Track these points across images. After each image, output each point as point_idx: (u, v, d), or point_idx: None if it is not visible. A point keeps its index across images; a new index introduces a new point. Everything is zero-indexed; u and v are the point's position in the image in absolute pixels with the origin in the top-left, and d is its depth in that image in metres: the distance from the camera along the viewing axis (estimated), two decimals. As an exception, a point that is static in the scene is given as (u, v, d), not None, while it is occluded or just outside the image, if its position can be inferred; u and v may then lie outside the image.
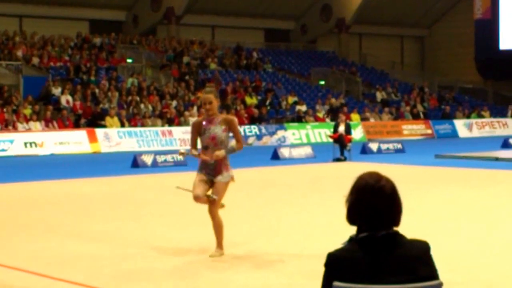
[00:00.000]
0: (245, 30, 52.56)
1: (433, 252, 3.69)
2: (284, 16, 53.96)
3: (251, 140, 34.43)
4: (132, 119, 33.73)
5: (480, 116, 44.66)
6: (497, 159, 24.92)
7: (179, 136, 32.70)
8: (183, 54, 43.64)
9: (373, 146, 29.21)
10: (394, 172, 20.76)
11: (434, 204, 14.34)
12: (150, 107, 35.31)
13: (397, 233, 3.68)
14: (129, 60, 41.87)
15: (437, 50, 60.15)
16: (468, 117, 44.25)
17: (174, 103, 36.52)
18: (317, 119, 38.85)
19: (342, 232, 3.74)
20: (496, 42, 48.84)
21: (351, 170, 17.86)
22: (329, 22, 54.16)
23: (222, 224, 9.48)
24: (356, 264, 3.60)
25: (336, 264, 3.64)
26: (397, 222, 3.70)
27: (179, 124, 34.25)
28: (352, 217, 3.71)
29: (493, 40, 48.92)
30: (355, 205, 3.68)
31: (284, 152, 26.72)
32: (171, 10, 46.88)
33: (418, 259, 3.64)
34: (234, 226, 11.79)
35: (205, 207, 9.64)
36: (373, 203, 3.62)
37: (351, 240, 3.69)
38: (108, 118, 32.57)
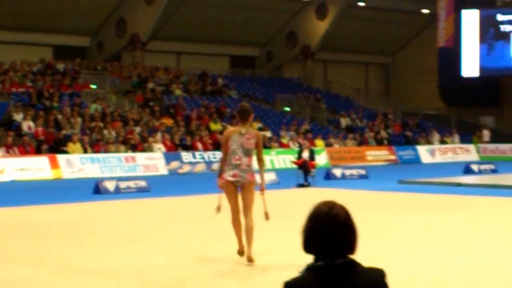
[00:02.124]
0: (211, 56, 52.69)
1: (395, 278, 3.64)
2: (249, 43, 54.14)
3: (215, 166, 34.28)
4: (95, 145, 33.48)
5: (442, 142, 44.97)
6: (459, 184, 25.06)
7: (143, 162, 32.51)
8: (147, 80, 43.55)
9: (337, 172, 29.23)
10: (358, 197, 20.82)
11: (397, 229, 14.34)
12: (113, 133, 35.08)
13: (353, 261, 3.66)
14: (93, 86, 41.67)
15: (401, 77, 60.71)
16: (431, 143, 44.52)
17: (138, 129, 36.34)
18: (281, 145, 38.86)
19: (304, 260, 3.70)
20: (458, 70, 49.32)
21: (315, 196, 17.75)
22: (295, 49, 54.45)
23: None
24: (312, 293, 3.56)
25: (293, 293, 3.59)
26: (352, 249, 3.68)
27: (143, 150, 34.08)
28: (307, 245, 3.69)
29: (456, 68, 49.39)
30: (310, 233, 3.66)
31: (248, 178, 26.58)
32: (136, 36, 46.82)
33: (373, 287, 3.61)
34: (194, 252, 11.69)
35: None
36: (327, 231, 3.61)
37: (308, 268, 3.65)
38: (70, 144, 32.30)
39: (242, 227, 10.57)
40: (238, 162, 10.47)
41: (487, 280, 9.54)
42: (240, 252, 10.63)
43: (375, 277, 3.65)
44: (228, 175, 10.48)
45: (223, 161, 10.64)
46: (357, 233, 3.69)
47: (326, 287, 3.55)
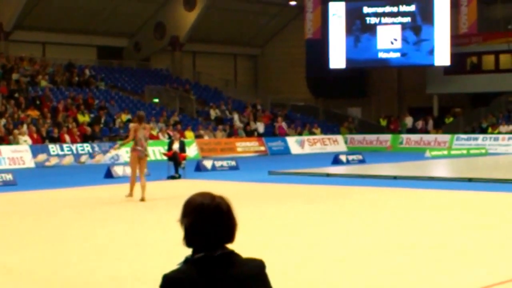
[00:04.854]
0: (77, 47, 51.64)
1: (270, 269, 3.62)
2: (117, 34, 53.40)
3: (83, 158, 33.75)
4: (-43, 138, 32.35)
5: (311, 133, 45.63)
6: (327, 175, 25.46)
7: (8, 155, 31.60)
8: (12, 71, 42.36)
9: (207, 164, 29.23)
10: (228, 189, 20.81)
11: (266, 220, 14.43)
12: (-23, 126, 33.96)
13: (232, 252, 3.61)
14: (-46, 77, 40.22)
15: (270, 69, 61.19)
16: (300, 134, 45.10)
17: (3, 121, 35.31)
18: (151, 137, 38.50)
19: (178, 252, 3.62)
20: (326, 61, 50.09)
21: (186, 188, 17.76)
22: (163, 40, 54.06)
23: None
24: (192, 285, 3.50)
25: (172, 286, 3.52)
26: (232, 238, 3.63)
27: (9, 143, 33.13)
28: (191, 240, 3.59)
29: (323, 59, 50.15)
30: (193, 227, 3.57)
31: (118, 170, 26.34)
32: (-1, 26, 45.44)
33: (253, 278, 3.60)
34: (66, 245, 11.45)
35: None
36: (212, 223, 3.54)
37: (187, 261, 3.58)
38: None
39: (135, 182, 18.03)
40: (140, 144, 18.09)
41: (349, 267, 9.70)
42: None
43: (255, 268, 3.63)
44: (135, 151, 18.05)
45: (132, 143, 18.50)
46: (237, 221, 3.67)
47: (206, 278, 3.50)
